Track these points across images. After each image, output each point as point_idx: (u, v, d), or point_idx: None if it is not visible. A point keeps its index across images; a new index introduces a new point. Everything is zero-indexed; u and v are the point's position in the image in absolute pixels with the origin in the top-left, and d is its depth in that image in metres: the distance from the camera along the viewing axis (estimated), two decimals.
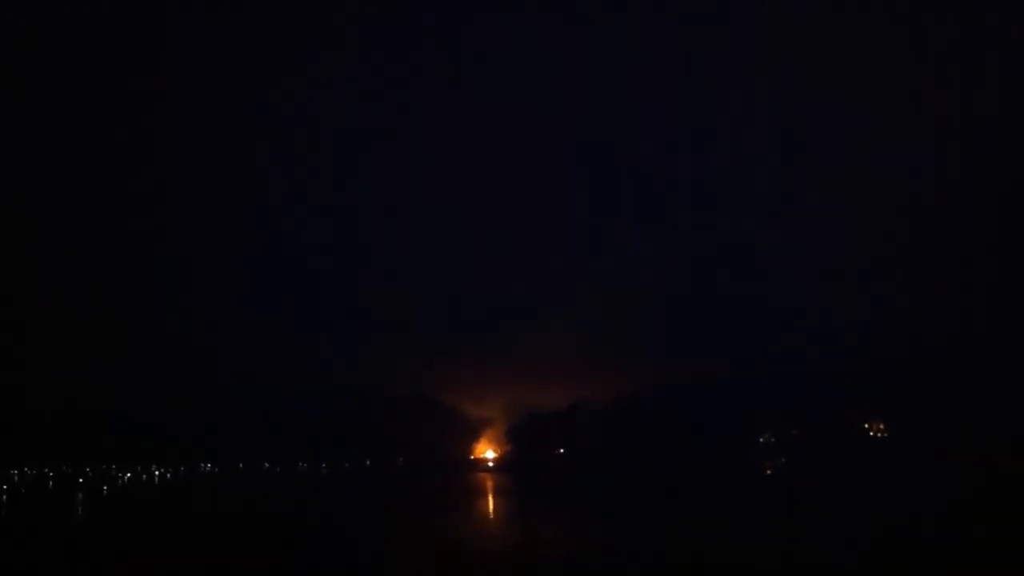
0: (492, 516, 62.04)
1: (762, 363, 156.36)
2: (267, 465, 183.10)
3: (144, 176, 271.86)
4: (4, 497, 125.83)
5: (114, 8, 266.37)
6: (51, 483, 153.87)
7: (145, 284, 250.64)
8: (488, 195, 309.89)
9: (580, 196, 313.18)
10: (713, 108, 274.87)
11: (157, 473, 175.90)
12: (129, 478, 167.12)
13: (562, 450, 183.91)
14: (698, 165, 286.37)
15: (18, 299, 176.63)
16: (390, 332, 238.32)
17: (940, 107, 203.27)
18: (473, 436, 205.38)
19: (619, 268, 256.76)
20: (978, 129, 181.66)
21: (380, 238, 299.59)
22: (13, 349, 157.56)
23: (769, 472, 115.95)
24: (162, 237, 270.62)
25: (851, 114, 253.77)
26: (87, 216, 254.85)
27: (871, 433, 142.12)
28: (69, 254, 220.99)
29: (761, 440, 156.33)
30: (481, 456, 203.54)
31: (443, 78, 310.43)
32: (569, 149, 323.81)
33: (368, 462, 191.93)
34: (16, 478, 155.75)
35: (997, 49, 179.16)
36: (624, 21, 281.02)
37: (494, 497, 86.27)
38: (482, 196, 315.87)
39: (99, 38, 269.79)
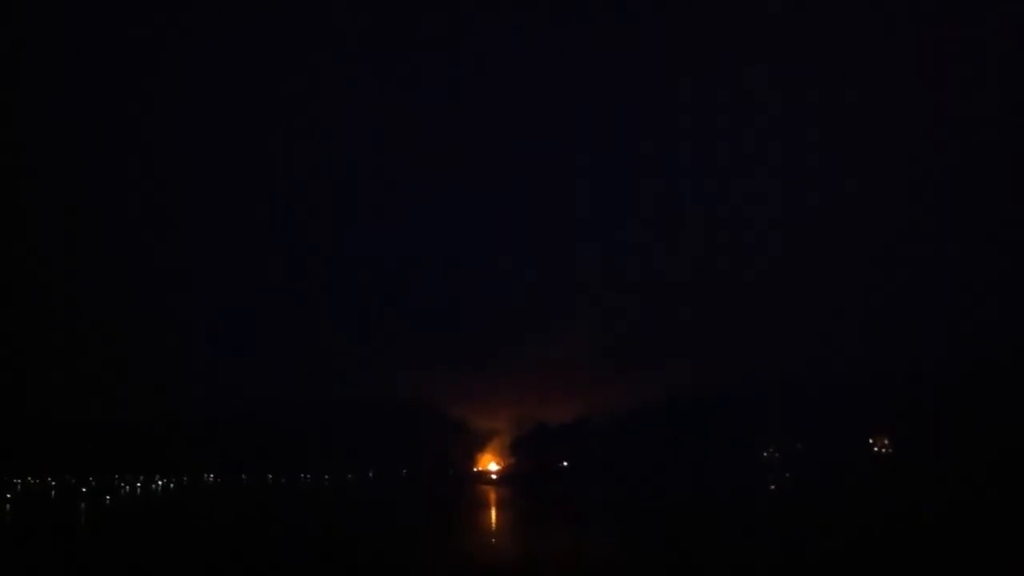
0: (488, 533, 61.64)
1: (767, 377, 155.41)
2: (271, 477, 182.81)
3: (145, 182, 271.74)
4: (7, 507, 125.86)
5: (116, 11, 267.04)
6: (53, 493, 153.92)
7: (148, 296, 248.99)
8: (498, 207, 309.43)
9: (587, 208, 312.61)
10: (713, 115, 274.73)
11: (160, 484, 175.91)
12: (129, 489, 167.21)
13: (566, 463, 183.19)
14: (698, 177, 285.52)
15: (21, 310, 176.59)
16: (395, 344, 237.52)
17: (942, 107, 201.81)
18: (478, 448, 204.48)
19: (625, 283, 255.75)
20: (979, 131, 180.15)
21: (389, 248, 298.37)
22: (16, 359, 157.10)
23: (773, 487, 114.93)
24: (164, 248, 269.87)
25: (854, 111, 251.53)
26: (90, 223, 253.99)
27: (876, 448, 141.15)
28: (72, 262, 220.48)
29: (765, 454, 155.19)
30: (485, 469, 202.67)
31: (446, 82, 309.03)
32: (580, 163, 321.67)
33: (371, 474, 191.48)
34: (19, 488, 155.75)
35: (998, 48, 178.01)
36: (623, 19, 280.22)
37: (494, 512, 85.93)
38: (491, 207, 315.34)
39: (101, 41, 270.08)
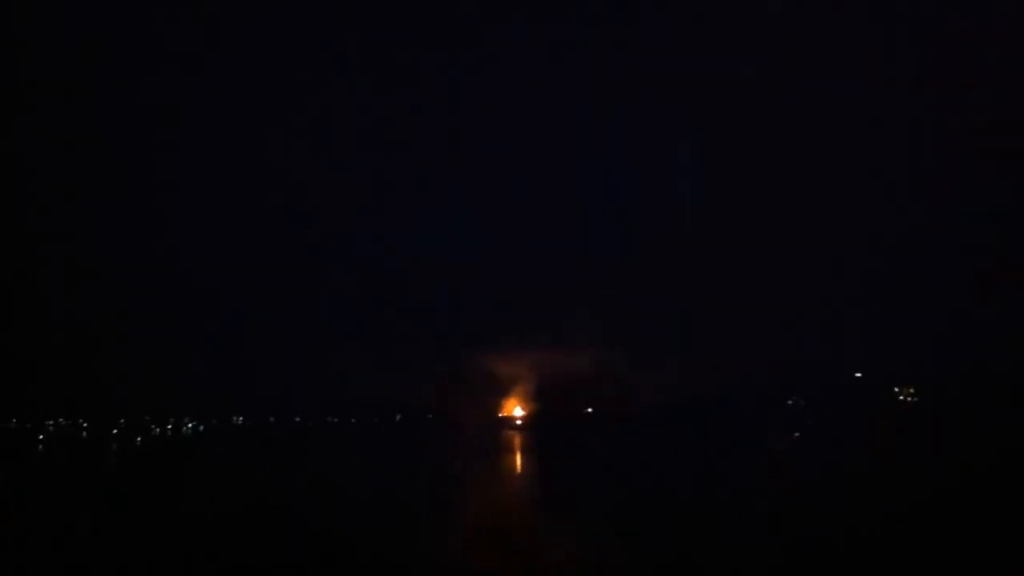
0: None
1: (767, 377, 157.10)
2: (298, 420, 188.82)
3: (145, 173, 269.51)
4: (41, 447, 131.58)
5: (115, 11, 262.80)
6: (85, 434, 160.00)
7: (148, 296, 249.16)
8: (505, 201, 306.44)
9: (589, 207, 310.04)
10: (714, 122, 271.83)
11: (191, 426, 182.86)
12: (160, 431, 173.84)
13: (590, 409, 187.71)
14: (697, 174, 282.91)
15: (21, 309, 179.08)
16: (395, 344, 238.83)
17: (942, 107, 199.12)
18: (502, 394, 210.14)
19: (628, 281, 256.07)
20: (979, 131, 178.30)
21: (389, 248, 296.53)
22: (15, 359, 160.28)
23: (796, 436, 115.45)
24: (164, 247, 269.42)
25: (855, 109, 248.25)
26: (90, 223, 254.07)
27: (901, 397, 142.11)
28: (70, 260, 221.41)
29: (790, 402, 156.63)
30: (510, 414, 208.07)
31: (446, 81, 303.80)
32: (586, 162, 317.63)
33: (399, 417, 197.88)
34: (52, 429, 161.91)
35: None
36: (623, 19, 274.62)
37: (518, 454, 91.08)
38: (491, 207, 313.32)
39: (101, 41, 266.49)
